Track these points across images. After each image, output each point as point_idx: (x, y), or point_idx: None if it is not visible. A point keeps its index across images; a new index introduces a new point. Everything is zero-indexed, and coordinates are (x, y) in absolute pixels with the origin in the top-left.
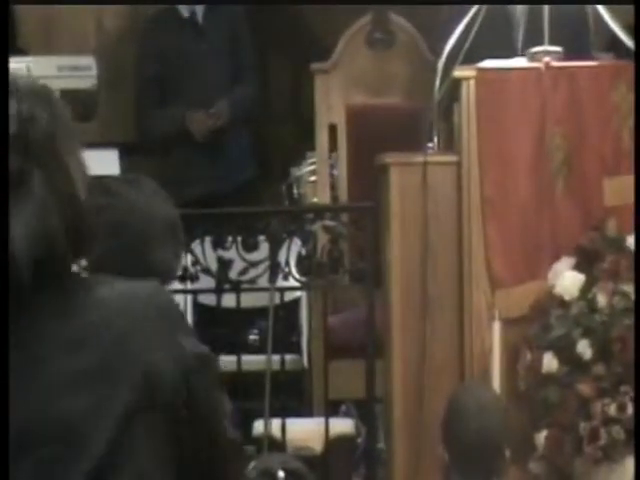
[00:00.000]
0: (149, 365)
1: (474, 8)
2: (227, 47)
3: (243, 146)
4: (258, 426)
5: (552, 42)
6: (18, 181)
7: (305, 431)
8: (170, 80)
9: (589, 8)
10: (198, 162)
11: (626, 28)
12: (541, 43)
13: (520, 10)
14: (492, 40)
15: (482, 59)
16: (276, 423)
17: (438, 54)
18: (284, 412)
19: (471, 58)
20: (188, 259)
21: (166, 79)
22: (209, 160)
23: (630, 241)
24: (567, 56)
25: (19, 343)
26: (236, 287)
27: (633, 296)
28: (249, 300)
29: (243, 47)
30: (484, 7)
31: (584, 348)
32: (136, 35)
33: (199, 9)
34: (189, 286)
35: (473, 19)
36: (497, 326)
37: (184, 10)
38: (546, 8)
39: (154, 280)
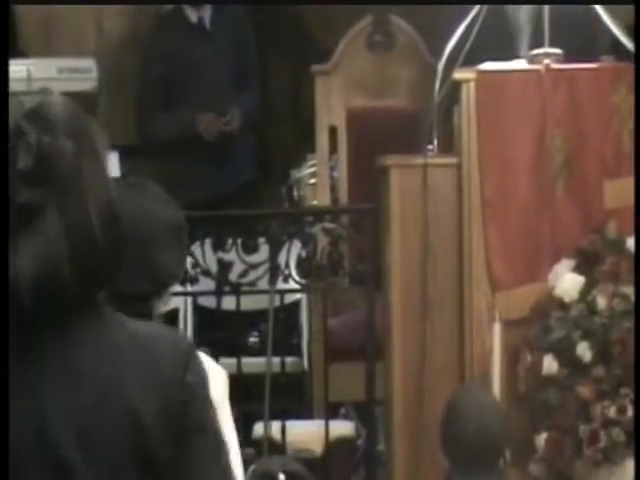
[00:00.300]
0: (138, 413)
1: (475, 9)
2: (234, 52)
3: (247, 150)
4: (258, 428)
5: (557, 45)
6: (30, 214)
7: (305, 433)
8: (175, 83)
9: (592, 10)
10: (202, 165)
11: (626, 29)
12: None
13: (526, 13)
14: (496, 43)
15: (486, 62)
16: (276, 425)
17: (438, 56)
18: (284, 414)
19: (474, 61)
20: (188, 261)
21: (171, 82)
22: (213, 163)
23: (630, 243)
24: (567, 58)
25: (19, 371)
26: (236, 289)
27: (633, 298)
28: (249, 302)
29: (249, 52)
30: (484, 9)
31: (584, 350)
32: (137, 37)
33: (206, 14)
34: (189, 288)
35: (474, 20)
36: (497, 328)
37: (192, 15)
38: (546, 9)
39: (175, 329)
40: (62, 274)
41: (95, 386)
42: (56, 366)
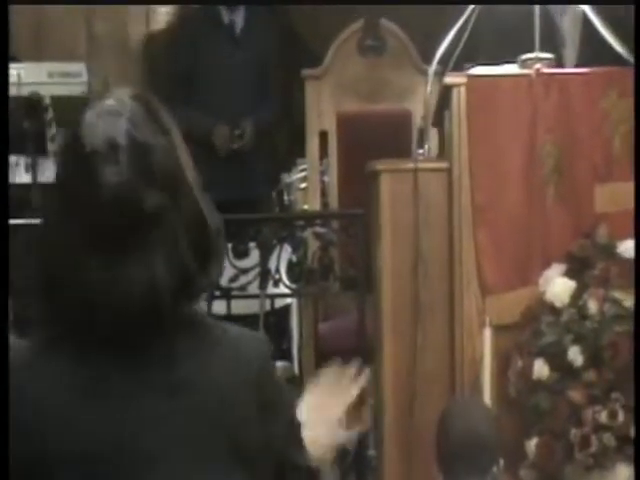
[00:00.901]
0: (238, 430)
1: (468, 11)
2: (257, 61)
3: (255, 159)
4: None
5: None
6: (155, 218)
7: None
8: (196, 79)
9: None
10: (214, 169)
11: (623, 39)
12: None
13: (570, 17)
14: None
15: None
16: None
17: (430, 60)
18: None
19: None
20: None
21: (192, 77)
22: (224, 168)
23: (621, 248)
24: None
25: (122, 371)
26: (226, 294)
27: (624, 303)
28: (240, 307)
29: (271, 65)
30: (476, 12)
31: (575, 355)
32: (127, 41)
33: (239, 19)
34: None
35: (466, 23)
36: (488, 333)
37: (225, 16)
38: (537, 10)
39: (261, 334)
40: (190, 277)
41: (194, 392)
42: (163, 369)
